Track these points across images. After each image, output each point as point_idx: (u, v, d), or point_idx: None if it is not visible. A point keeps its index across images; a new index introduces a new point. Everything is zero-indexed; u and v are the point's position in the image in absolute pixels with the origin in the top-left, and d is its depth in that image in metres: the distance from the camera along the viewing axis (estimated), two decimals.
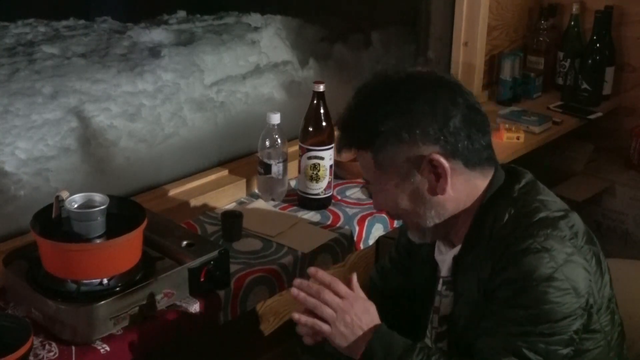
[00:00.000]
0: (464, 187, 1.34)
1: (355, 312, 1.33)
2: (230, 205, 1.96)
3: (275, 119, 1.90)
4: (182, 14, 2.72)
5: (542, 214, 1.29)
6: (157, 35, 2.47)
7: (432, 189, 1.32)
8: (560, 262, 1.24)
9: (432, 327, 1.43)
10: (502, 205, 1.32)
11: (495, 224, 1.31)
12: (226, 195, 1.97)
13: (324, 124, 1.90)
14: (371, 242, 1.92)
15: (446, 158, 1.29)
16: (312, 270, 1.40)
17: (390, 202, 1.37)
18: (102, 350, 1.36)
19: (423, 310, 1.50)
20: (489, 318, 1.28)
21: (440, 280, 1.42)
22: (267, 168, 1.92)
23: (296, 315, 1.36)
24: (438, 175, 1.30)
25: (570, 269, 1.25)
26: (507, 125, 2.57)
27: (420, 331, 1.51)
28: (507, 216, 1.31)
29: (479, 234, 1.33)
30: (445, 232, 1.39)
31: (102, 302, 1.36)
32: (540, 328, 1.23)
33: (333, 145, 1.93)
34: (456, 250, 1.38)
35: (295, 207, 1.95)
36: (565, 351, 1.25)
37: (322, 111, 1.90)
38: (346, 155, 2.16)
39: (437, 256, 1.45)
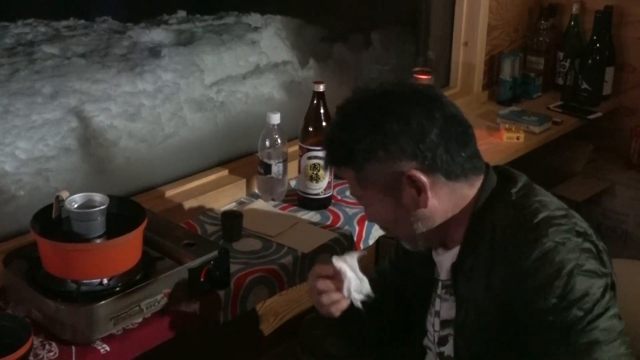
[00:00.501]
0: (449, 198, 1.33)
1: None
2: (230, 205, 1.96)
3: (275, 119, 1.90)
4: (182, 14, 2.72)
5: (543, 214, 1.29)
6: (157, 35, 2.47)
7: (414, 203, 1.32)
8: (577, 253, 1.25)
9: (435, 331, 1.43)
10: (500, 210, 1.32)
11: (496, 229, 1.31)
12: (226, 195, 1.97)
13: (324, 124, 1.90)
14: (371, 242, 1.92)
15: (425, 173, 1.29)
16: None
17: (378, 216, 1.39)
18: (102, 350, 1.36)
19: (422, 311, 1.50)
20: (545, 332, 1.25)
21: (440, 284, 1.42)
22: (267, 168, 1.92)
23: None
24: (419, 190, 1.31)
25: (586, 256, 1.26)
26: (507, 125, 2.57)
27: (420, 332, 1.51)
28: (507, 220, 1.30)
29: (476, 239, 1.33)
30: (437, 238, 1.39)
31: (102, 302, 1.36)
32: (596, 310, 1.24)
33: None
34: (452, 254, 1.38)
35: (295, 207, 1.95)
36: (620, 325, 1.26)
37: (322, 111, 1.90)
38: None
39: (435, 257, 1.44)
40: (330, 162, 1.38)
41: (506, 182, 1.36)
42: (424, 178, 1.29)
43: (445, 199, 1.33)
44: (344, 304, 1.41)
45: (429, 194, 1.30)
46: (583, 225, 1.32)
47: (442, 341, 1.42)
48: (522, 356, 1.31)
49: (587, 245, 1.28)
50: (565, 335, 1.24)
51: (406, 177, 1.29)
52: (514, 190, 1.34)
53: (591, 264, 1.25)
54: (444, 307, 1.41)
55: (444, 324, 1.41)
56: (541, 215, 1.29)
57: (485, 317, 1.31)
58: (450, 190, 1.33)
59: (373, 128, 1.29)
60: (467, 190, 1.34)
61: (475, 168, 1.35)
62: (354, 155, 1.31)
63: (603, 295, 1.25)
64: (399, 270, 1.60)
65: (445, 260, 1.40)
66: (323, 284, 1.40)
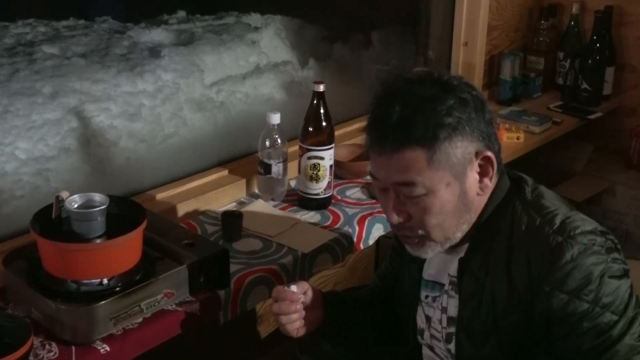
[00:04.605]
0: (490, 189, 1.35)
1: None
2: (230, 205, 1.96)
3: (275, 119, 1.90)
4: (182, 14, 2.72)
5: (561, 215, 1.31)
6: (157, 35, 2.47)
7: (475, 189, 1.32)
8: (604, 254, 1.26)
9: (442, 327, 1.43)
10: (517, 209, 1.33)
11: (514, 228, 1.31)
12: (226, 195, 1.97)
13: (324, 124, 1.90)
14: (371, 242, 1.92)
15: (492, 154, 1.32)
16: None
17: (434, 208, 1.29)
18: (102, 350, 1.36)
19: (410, 310, 1.50)
20: (580, 339, 1.25)
21: (448, 279, 1.42)
22: (267, 168, 1.92)
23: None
24: (483, 174, 1.31)
25: (612, 256, 1.27)
26: (507, 125, 2.58)
27: (412, 330, 1.52)
28: (527, 219, 1.31)
29: (490, 236, 1.33)
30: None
31: (102, 302, 1.36)
32: (629, 312, 1.25)
33: (333, 145, 1.93)
34: (457, 250, 1.38)
35: (295, 207, 1.95)
36: None
37: (322, 111, 1.90)
38: (346, 155, 2.16)
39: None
40: (406, 142, 1.26)
41: (518, 182, 1.38)
42: (494, 160, 1.31)
43: (487, 192, 1.35)
44: (298, 324, 1.45)
45: (494, 178, 1.32)
46: (595, 223, 1.33)
47: (449, 338, 1.41)
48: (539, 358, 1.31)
49: (610, 243, 1.29)
50: (602, 344, 1.24)
51: (480, 157, 1.29)
52: (528, 190, 1.36)
53: (617, 264, 1.27)
54: (451, 304, 1.41)
55: (451, 321, 1.41)
56: (561, 217, 1.30)
57: (504, 315, 1.31)
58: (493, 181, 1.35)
59: (462, 103, 1.27)
60: (493, 185, 1.35)
61: (502, 165, 1.37)
62: (441, 129, 1.25)
63: (630, 296, 1.26)
64: (394, 269, 1.60)
65: (451, 256, 1.40)
66: (277, 307, 1.45)
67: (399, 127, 1.26)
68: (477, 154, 1.29)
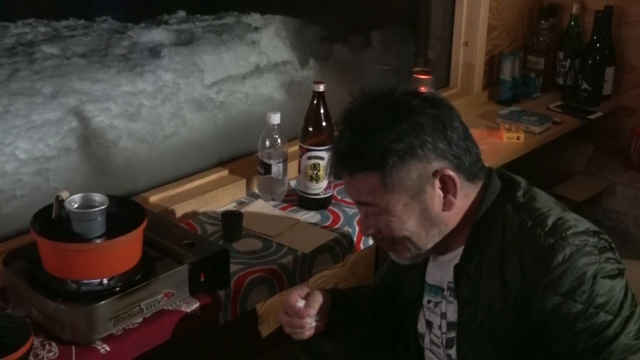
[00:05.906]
0: (463, 202, 1.34)
1: None
2: (230, 205, 1.96)
3: (275, 119, 1.90)
4: (182, 14, 2.72)
5: (554, 217, 1.30)
6: (157, 35, 2.47)
7: (438, 207, 1.32)
8: (597, 254, 1.26)
9: (442, 333, 1.43)
10: (509, 212, 1.33)
11: (506, 231, 1.31)
12: (226, 195, 1.97)
13: (324, 124, 1.90)
14: (371, 242, 1.92)
15: (455, 172, 1.30)
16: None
17: (395, 225, 1.33)
18: (102, 350, 1.36)
19: (413, 312, 1.50)
20: (575, 340, 1.25)
21: (446, 286, 1.42)
22: (267, 168, 1.92)
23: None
24: (446, 191, 1.31)
25: (605, 256, 1.27)
26: (507, 125, 2.58)
27: (413, 333, 1.52)
28: (518, 222, 1.31)
29: (483, 241, 1.33)
30: (443, 245, 1.38)
31: (102, 302, 1.36)
32: (624, 312, 1.25)
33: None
34: (452, 256, 1.38)
35: (295, 207, 1.95)
36: None
37: (322, 111, 1.90)
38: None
39: (432, 262, 1.44)
40: (356, 168, 1.31)
41: (510, 184, 1.37)
42: (456, 177, 1.30)
43: (459, 203, 1.34)
44: (307, 334, 1.47)
45: (458, 194, 1.31)
46: (588, 223, 1.33)
47: (449, 344, 1.41)
48: None
49: (603, 243, 1.29)
50: (597, 344, 1.24)
51: (439, 177, 1.29)
52: (519, 193, 1.35)
53: (611, 264, 1.26)
54: (449, 310, 1.41)
55: (450, 326, 1.41)
56: (553, 218, 1.30)
57: (500, 319, 1.31)
58: (465, 193, 1.34)
59: (412, 125, 1.27)
60: (473, 193, 1.35)
61: (484, 168, 1.37)
62: (390, 155, 1.27)
63: (626, 295, 1.26)
64: (395, 270, 1.60)
65: (447, 263, 1.40)
66: (285, 319, 1.47)
67: (349, 155, 1.32)
68: (435, 173, 1.29)
